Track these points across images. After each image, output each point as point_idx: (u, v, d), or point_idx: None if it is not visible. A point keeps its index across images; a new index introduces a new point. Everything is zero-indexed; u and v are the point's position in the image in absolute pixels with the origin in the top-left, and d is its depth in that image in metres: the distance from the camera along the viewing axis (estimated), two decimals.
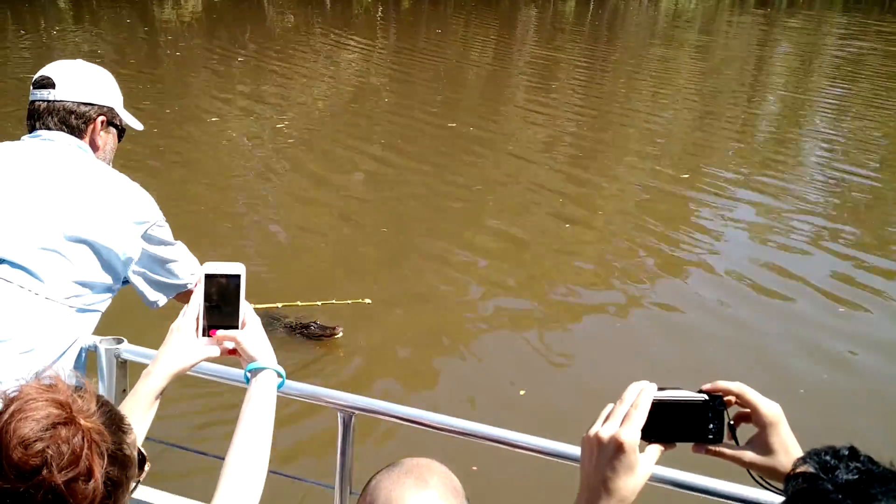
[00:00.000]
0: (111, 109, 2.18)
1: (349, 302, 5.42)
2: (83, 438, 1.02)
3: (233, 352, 1.51)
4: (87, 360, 2.05)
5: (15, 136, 2.11)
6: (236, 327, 1.50)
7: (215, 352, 1.51)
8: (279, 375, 1.51)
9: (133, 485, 1.14)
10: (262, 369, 1.48)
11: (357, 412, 1.85)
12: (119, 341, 2.04)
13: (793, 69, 17.06)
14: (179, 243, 2.24)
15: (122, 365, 2.07)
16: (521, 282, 6.30)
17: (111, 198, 2.00)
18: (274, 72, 13.99)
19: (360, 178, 8.63)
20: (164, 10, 22.38)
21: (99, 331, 2.06)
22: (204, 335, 1.49)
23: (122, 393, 2.06)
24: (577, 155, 9.88)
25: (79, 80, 2.13)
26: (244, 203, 7.81)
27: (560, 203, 8.02)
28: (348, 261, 6.55)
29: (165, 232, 2.15)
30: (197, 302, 1.50)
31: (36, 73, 2.14)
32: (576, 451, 1.60)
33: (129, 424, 1.16)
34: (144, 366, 1.88)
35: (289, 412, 3.84)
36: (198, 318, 1.50)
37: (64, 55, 11.09)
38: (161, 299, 2.24)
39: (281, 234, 7.16)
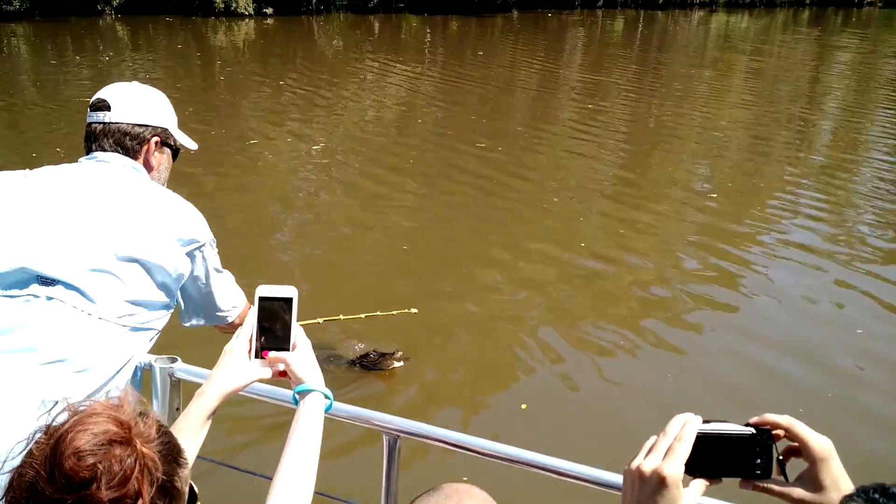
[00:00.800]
0: (165, 130, 2.20)
1: (394, 312, 5.33)
2: (136, 461, 1.01)
3: (283, 374, 1.53)
4: (142, 378, 2.08)
5: (70, 159, 2.14)
6: (287, 349, 1.52)
7: (267, 373, 1.54)
8: (327, 398, 1.52)
9: None
10: (310, 391, 1.50)
11: (402, 435, 1.85)
12: (173, 360, 2.07)
13: (848, 90, 16.72)
14: (227, 273, 2.23)
15: (176, 384, 2.09)
16: (578, 306, 6.23)
17: (162, 216, 2.01)
18: (321, 95, 14.19)
19: (404, 201, 8.64)
20: (218, 36, 22.90)
21: (154, 349, 2.09)
22: (256, 357, 1.52)
23: (176, 411, 2.09)
24: (626, 179, 9.79)
25: (133, 102, 2.15)
26: (289, 224, 7.89)
27: (611, 227, 7.94)
28: (389, 283, 6.55)
29: (213, 256, 2.14)
30: (251, 324, 1.53)
31: (92, 96, 2.18)
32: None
33: (186, 459, 1.15)
34: (197, 385, 1.90)
35: (336, 434, 3.83)
36: (251, 340, 1.53)
37: (120, 78, 11.30)
38: (196, 322, 2.24)
39: (323, 255, 7.19)
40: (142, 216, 1.98)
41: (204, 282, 2.14)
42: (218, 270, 2.17)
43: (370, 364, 5.06)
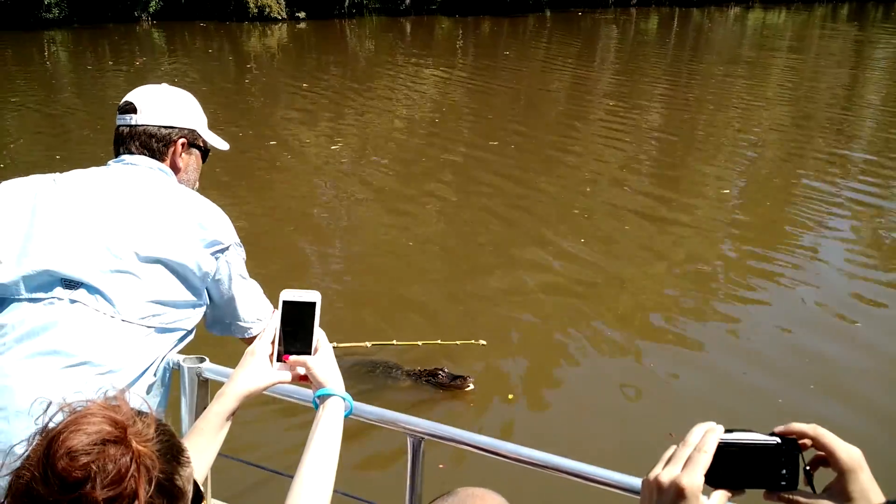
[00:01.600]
0: (192, 131, 2.20)
1: (458, 343, 5.12)
2: (132, 460, 1.01)
3: (304, 378, 1.54)
4: (171, 378, 2.08)
5: (108, 159, 2.16)
6: (309, 353, 1.53)
7: (287, 377, 1.54)
8: (347, 403, 1.52)
9: None
10: (330, 395, 1.50)
11: (427, 437, 1.84)
12: (201, 360, 2.09)
13: (890, 88, 16.38)
14: (254, 283, 2.20)
15: (204, 383, 2.12)
16: (618, 313, 6.17)
17: (184, 217, 2.00)
18: (353, 98, 14.25)
19: (435, 206, 8.63)
20: (251, 40, 23.13)
21: (185, 349, 2.10)
22: (278, 360, 1.54)
23: (204, 410, 2.10)
24: (659, 183, 9.70)
25: (160, 104, 2.16)
26: (319, 227, 7.93)
27: (645, 229, 7.86)
28: (409, 294, 6.54)
29: (237, 260, 2.12)
30: (274, 326, 1.55)
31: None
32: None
33: (188, 458, 1.14)
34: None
35: (361, 435, 3.83)
36: (273, 343, 1.54)
37: (155, 82, 11.46)
38: (218, 330, 2.20)
39: (356, 263, 7.20)
40: (164, 216, 1.98)
41: (227, 286, 2.10)
42: (243, 277, 2.14)
43: (439, 383, 4.84)
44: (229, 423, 1.53)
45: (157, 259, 1.93)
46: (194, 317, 2.06)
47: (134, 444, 1.02)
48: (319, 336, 1.54)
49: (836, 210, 8.25)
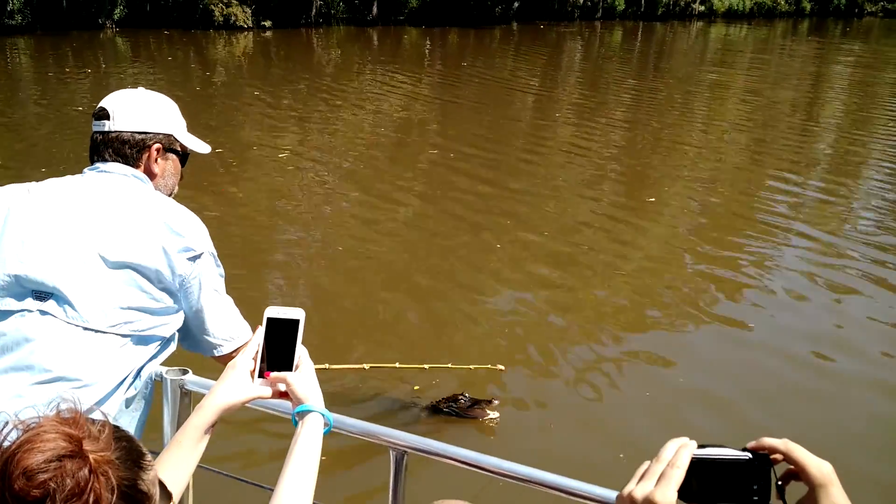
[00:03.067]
0: (169, 136, 2.16)
1: (472, 367, 4.81)
2: (90, 472, 1.01)
3: (284, 394, 1.54)
4: (153, 390, 2.06)
5: (68, 166, 2.12)
6: (290, 370, 1.54)
7: (267, 392, 1.55)
8: (326, 420, 1.53)
9: None
10: (309, 411, 1.50)
11: (410, 451, 1.84)
12: (184, 372, 2.07)
13: (848, 101, 16.74)
14: (228, 299, 2.13)
15: (186, 395, 2.09)
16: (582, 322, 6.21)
17: (156, 223, 1.96)
18: (319, 108, 14.22)
19: (403, 215, 8.63)
20: (217, 48, 22.97)
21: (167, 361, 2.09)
22: (260, 376, 1.54)
23: None
24: (623, 191, 9.79)
25: (134, 109, 2.12)
26: (285, 238, 7.88)
27: (611, 237, 7.93)
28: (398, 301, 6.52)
29: (210, 271, 2.05)
30: (257, 342, 1.56)
31: (91, 105, 2.15)
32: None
33: (150, 461, 1.14)
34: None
35: (342, 448, 3.78)
36: (255, 359, 1.55)
37: (119, 89, 11.27)
38: (187, 345, 2.14)
39: (324, 273, 7.16)
40: (135, 223, 1.95)
41: (196, 296, 2.03)
42: (216, 290, 2.07)
43: (459, 411, 4.48)
44: (208, 436, 1.53)
45: (128, 264, 1.90)
46: (172, 323, 2.03)
47: (91, 455, 1.02)
48: (301, 353, 1.55)
49: (799, 216, 8.41)
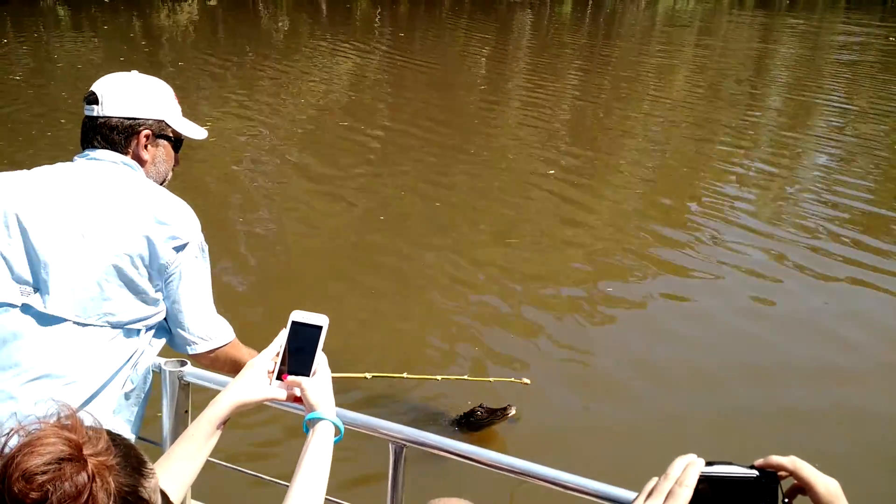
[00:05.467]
0: (160, 122, 2.11)
1: (491, 380, 4.49)
2: (88, 477, 1.01)
3: (298, 399, 1.56)
4: (151, 383, 2.05)
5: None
6: (307, 375, 1.56)
7: (282, 395, 1.56)
8: (337, 429, 1.53)
9: None
10: (321, 419, 1.51)
11: (408, 444, 1.87)
12: (182, 364, 2.07)
13: (794, 72, 17.03)
14: (209, 296, 2.07)
15: (185, 387, 2.10)
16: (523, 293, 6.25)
17: (142, 212, 1.92)
18: (268, 77, 13.98)
19: (354, 184, 8.56)
20: (161, 17, 22.41)
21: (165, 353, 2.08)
22: (278, 378, 1.56)
23: (185, 414, 2.11)
24: (573, 162, 9.86)
25: (123, 94, 2.07)
26: (237, 208, 7.78)
27: (558, 209, 7.98)
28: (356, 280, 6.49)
29: (195, 263, 1.99)
30: (279, 343, 1.57)
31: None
32: (632, 495, 1.58)
33: (151, 469, 1.15)
34: (206, 389, 1.93)
35: (342, 441, 3.68)
36: (275, 360, 1.57)
37: (61, 60, 11.13)
38: (160, 334, 2.07)
39: (279, 243, 7.10)
40: (120, 212, 1.91)
41: (175, 286, 1.97)
42: (198, 284, 2.01)
43: (478, 423, 4.33)
44: (220, 431, 1.54)
45: (112, 255, 1.87)
46: (160, 314, 2.00)
47: (90, 460, 1.03)
48: (320, 360, 1.57)
49: (746, 187, 8.57)
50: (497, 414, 4.28)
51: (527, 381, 4.41)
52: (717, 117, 11.97)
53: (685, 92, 13.91)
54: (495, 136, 10.59)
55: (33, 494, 0.97)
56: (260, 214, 7.60)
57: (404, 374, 4.35)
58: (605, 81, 14.79)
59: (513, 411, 4.26)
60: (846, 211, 7.97)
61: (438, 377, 4.44)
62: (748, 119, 12.07)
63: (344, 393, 4.45)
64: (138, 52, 16.56)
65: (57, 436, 1.03)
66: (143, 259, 1.89)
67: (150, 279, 1.92)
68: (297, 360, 1.55)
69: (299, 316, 1.57)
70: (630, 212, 7.85)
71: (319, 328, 1.55)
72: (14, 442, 1.03)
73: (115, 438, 1.11)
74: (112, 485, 1.03)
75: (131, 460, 1.11)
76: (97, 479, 1.02)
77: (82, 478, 1.00)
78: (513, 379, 4.47)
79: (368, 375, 4.17)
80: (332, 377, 1.59)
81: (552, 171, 8.91)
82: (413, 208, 7.75)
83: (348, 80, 14.22)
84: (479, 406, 4.35)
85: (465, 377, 4.52)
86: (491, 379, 4.52)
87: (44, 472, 0.98)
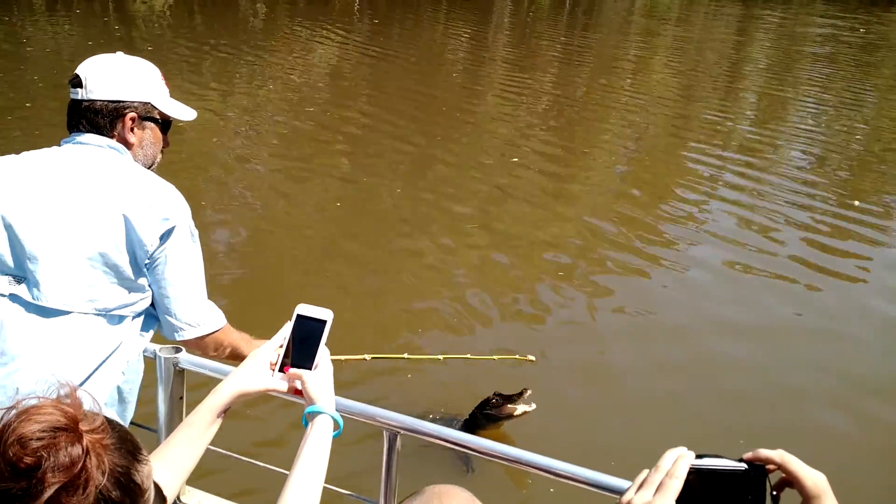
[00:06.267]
0: (146, 104, 2.07)
1: (496, 358, 4.31)
2: (83, 450, 1.02)
3: (298, 392, 1.57)
4: (141, 370, 2.04)
5: None
6: (310, 368, 1.56)
7: (283, 386, 1.57)
8: (337, 424, 1.53)
9: None
10: (320, 413, 1.51)
11: (402, 432, 1.88)
12: (178, 350, 2.06)
13: (771, 61, 17.16)
14: (199, 281, 2.03)
15: (180, 373, 2.09)
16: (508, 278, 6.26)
17: (129, 196, 1.89)
18: (245, 63, 13.86)
19: (334, 169, 8.53)
20: (136, 2, 22.13)
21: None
22: (280, 370, 1.57)
23: (179, 400, 2.11)
24: (552, 151, 9.89)
25: (108, 76, 2.02)
26: (214, 196, 7.72)
27: (541, 188, 8.00)
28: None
29: (183, 246, 1.95)
30: (283, 336, 1.59)
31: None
32: (618, 482, 1.61)
33: (146, 457, 1.15)
34: (201, 375, 1.95)
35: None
36: (278, 352, 1.58)
37: (35, 45, 10.97)
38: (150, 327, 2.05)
39: (255, 227, 7.06)
40: (105, 197, 1.88)
41: (161, 270, 1.94)
42: (184, 268, 1.97)
43: (496, 414, 4.00)
44: (220, 420, 1.55)
45: (96, 241, 1.85)
46: (146, 300, 1.98)
47: (86, 436, 1.03)
48: (323, 354, 1.58)
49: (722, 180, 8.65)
50: (513, 399, 3.97)
51: (532, 357, 4.26)
52: (695, 107, 12.04)
53: (662, 82, 13.97)
54: (472, 124, 10.58)
55: (27, 459, 0.98)
56: (233, 200, 7.53)
57: (405, 355, 4.17)
58: (584, 71, 14.83)
59: (528, 392, 3.97)
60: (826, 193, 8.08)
61: (440, 356, 4.26)
62: (725, 108, 12.16)
63: (340, 378, 4.26)
64: (113, 38, 16.35)
65: (55, 407, 1.03)
66: (127, 244, 1.87)
67: (136, 264, 1.90)
68: (300, 352, 1.56)
69: (304, 309, 1.58)
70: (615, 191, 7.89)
71: (324, 322, 1.57)
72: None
73: (111, 422, 1.11)
74: (106, 464, 1.04)
75: (127, 444, 1.11)
76: (91, 456, 1.02)
77: (77, 450, 1.00)
78: (517, 356, 4.32)
79: (368, 357, 3.98)
80: (330, 359, 1.60)
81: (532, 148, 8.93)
82: (391, 198, 7.73)
83: (326, 67, 14.13)
84: (494, 394, 4.07)
85: (468, 356, 4.32)
86: (495, 357, 4.35)
87: (39, 439, 0.99)
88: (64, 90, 2.10)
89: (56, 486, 0.98)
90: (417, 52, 16.07)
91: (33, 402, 1.05)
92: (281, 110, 10.92)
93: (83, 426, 1.04)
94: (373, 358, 3.97)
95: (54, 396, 1.07)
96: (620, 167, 9.04)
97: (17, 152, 1.98)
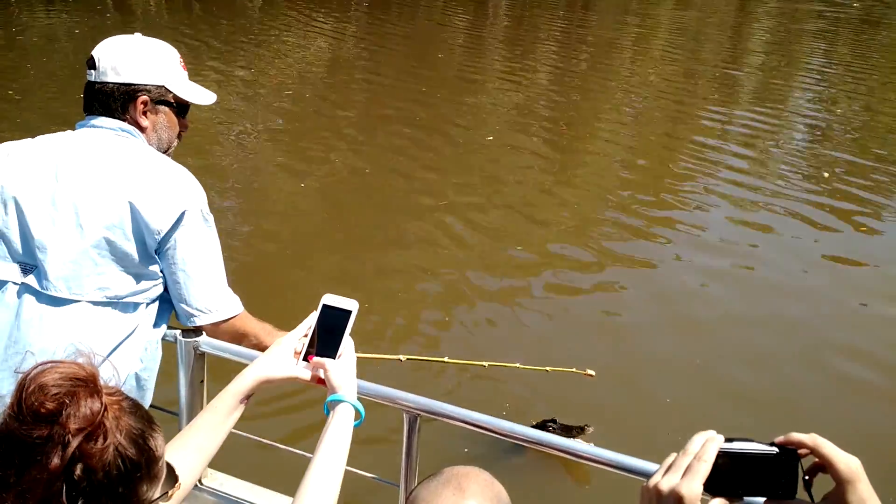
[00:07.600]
0: (160, 87, 2.03)
1: (548, 370, 3.79)
2: (102, 406, 1.04)
3: (322, 381, 1.58)
4: (159, 356, 2.04)
5: None
6: (333, 358, 1.57)
7: (307, 375, 1.57)
8: (358, 413, 1.54)
9: (158, 494, 1.15)
10: (341, 401, 1.52)
11: (422, 414, 1.88)
12: (198, 333, 2.05)
13: (773, 39, 17.05)
14: (216, 266, 2.01)
15: (201, 357, 2.08)
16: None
17: (141, 180, 1.88)
18: (244, 49, 13.78)
19: (334, 161, 8.46)
20: None
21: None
22: (304, 358, 1.58)
23: (200, 384, 2.11)
24: (553, 133, 9.85)
25: (121, 58, 1.99)
26: (217, 189, 7.70)
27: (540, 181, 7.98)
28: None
29: (196, 231, 1.93)
30: (308, 325, 1.60)
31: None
32: (644, 465, 1.60)
33: (159, 426, 1.17)
34: (221, 359, 1.95)
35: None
36: (303, 341, 1.60)
37: (32, 33, 10.89)
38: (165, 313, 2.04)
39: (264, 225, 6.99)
40: (117, 182, 1.87)
41: (172, 256, 1.92)
42: (198, 253, 1.94)
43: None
44: (243, 406, 1.56)
45: (106, 227, 1.84)
46: (160, 285, 1.97)
47: (103, 392, 1.05)
48: (347, 344, 1.59)
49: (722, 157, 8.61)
50: (574, 431, 3.63)
51: (591, 372, 3.66)
52: (696, 87, 11.97)
53: (663, 61, 13.89)
54: (472, 106, 10.54)
55: (49, 405, 1.00)
56: (230, 189, 7.50)
57: (445, 359, 3.80)
58: (584, 54, 14.75)
59: (591, 430, 3.67)
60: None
61: (485, 363, 3.72)
62: (726, 90, 12.11)
63: (371, 378, 4.19)
64: (109, 26, 16.25)
65: (74, 363, 1.06)
66: (135, 231, 1.86)
67: (145, 251, 1.89)
68: (325, 342, 1.58)
69: (330, 300, 1.60)
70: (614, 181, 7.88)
71: (349, 312, 1.58)
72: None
73: (125, 394, 1.14)
74: (124, 423, 1.06)
75: (141, 410, 1.14)
76: (109, 413, 1.04)
77: (96, 404, 1.03)
78: (574, 369, 3.72)
79: (403, 358, 3.52)
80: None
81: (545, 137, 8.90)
82: (394, 190, 7.72)
83: (324, 54, 14.05)
84: (552, 420, 3.74)
85: (517, 365, 3.78)
86: (548, 368, 3.77)
87: (59, 386, 1.01)
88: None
89: (77, 433, 0.99)
90: (416, 37, 15.97)
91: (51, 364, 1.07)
92: (281, 95, 10.86)
93: (101, 385, 1.07)
94: (408, 359, 3.55)
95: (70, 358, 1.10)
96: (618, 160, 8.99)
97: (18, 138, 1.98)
